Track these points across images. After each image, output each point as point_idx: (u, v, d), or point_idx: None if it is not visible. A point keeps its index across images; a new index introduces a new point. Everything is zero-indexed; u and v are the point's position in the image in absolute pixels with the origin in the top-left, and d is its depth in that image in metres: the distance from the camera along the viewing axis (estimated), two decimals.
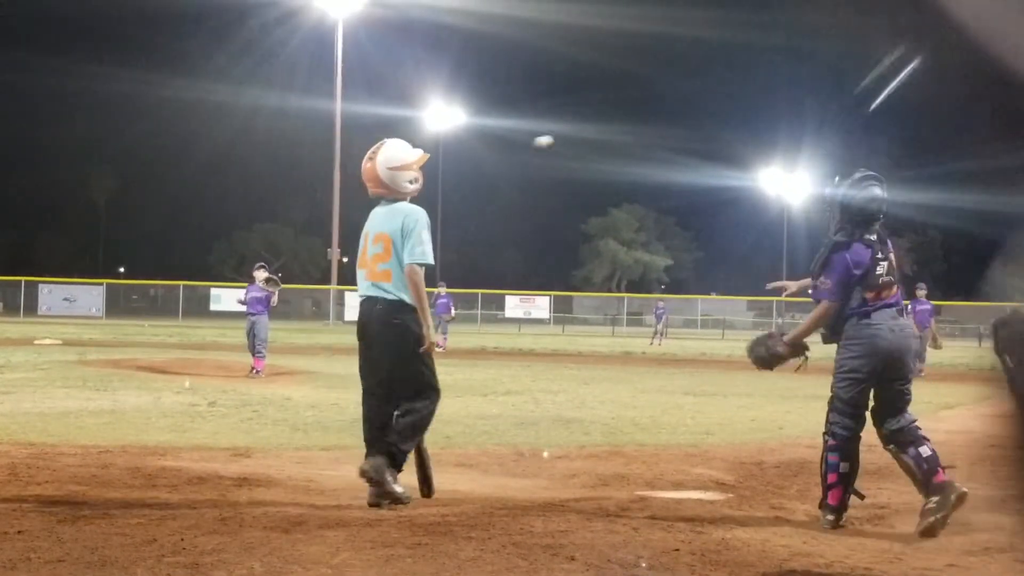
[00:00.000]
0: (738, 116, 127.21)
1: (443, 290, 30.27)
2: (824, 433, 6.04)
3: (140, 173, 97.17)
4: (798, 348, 6.18)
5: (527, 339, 34.34)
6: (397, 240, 6.27)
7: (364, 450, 8.64)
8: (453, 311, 30.57)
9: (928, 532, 5.55)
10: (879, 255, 5.84)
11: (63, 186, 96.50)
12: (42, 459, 7.51)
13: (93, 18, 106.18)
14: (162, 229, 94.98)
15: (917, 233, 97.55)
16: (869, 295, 5.78)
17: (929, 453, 5.80)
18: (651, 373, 20.89)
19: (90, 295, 56.99)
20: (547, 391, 15.11)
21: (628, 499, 6.59)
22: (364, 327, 6.41)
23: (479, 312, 58.43)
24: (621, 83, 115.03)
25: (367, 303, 6.38)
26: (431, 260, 6.28)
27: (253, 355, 17.22)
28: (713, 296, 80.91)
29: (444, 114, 75.02)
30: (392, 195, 6.45)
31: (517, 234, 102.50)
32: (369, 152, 6.51)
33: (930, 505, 5.61)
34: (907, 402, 5.97)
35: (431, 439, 9.43)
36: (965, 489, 5.64)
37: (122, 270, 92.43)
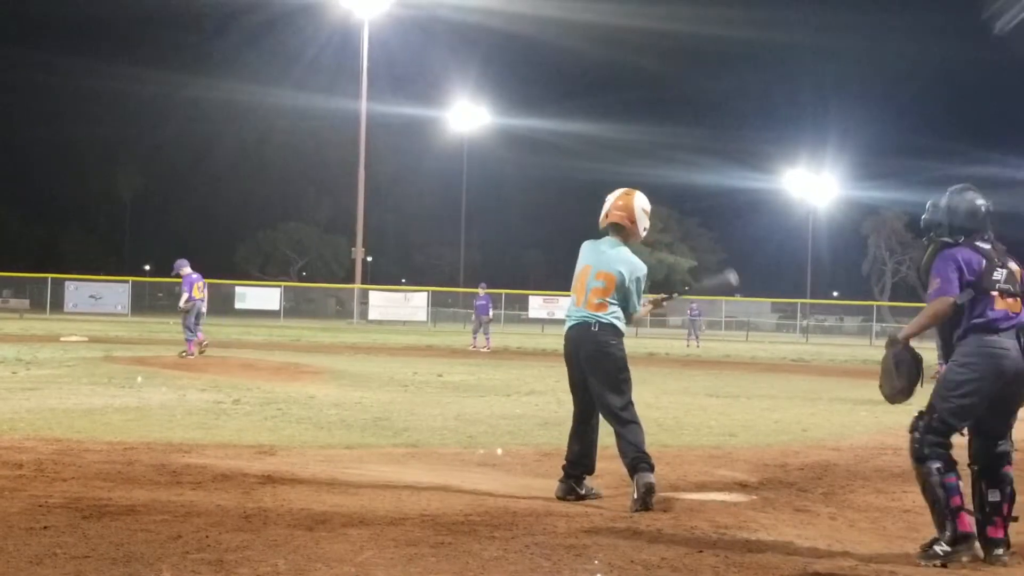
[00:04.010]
0: (763, 117, 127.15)
1: (483, 291, 30.39)
2: (921, 458, 5.31)
3: (166, 172, 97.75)
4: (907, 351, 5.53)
5: (550, 339, 34.19)
6: (620, 284, 6.70)
7: (387, 449, 8.69)
8: (491, 312, 30.78)
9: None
10: (996, 261, 5.37)
11: (90, 184, 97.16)
12: (68, 455, 7.56)
13: (120, 18, 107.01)
14: (188, 227, 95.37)
15: None
16: (994, 306, 5.32)
17: (996, 499, 5.33)
18: (674, 374, 20.83)
19: (116, 292, 57.26)
20: (570, 391, 15.05)
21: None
22: (575, 352, 6.82)
23: (503, 312, 58.40)
24: (646, 84, 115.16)
25: (578, 328, 6.81)
26: (637, 311, 6.82)
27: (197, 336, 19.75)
28: (737, 298, 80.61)
29: (469, 114, 75.05)
30: (629, 231, 6.85)
31: (540, 234, 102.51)
32: (620, 192, 6.96)
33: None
34: (1011, 427, 5.48)
35: (455, 438, 9.47)
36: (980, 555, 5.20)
37: (148, 268, 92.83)
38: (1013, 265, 5.44)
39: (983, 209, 5.54)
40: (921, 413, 5.39)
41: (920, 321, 5.45)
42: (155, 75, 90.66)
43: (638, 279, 6.74)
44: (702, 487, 7.25)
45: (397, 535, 5.30)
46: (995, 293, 5.31)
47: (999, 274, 5.35)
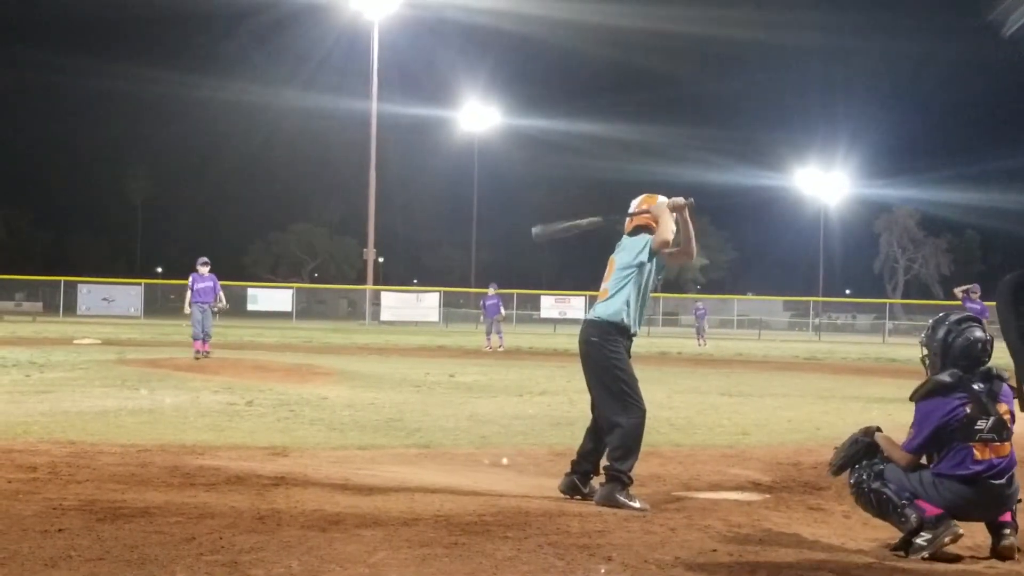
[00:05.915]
0: (774, 116, 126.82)
1: (493, 291, 30.37)
2: (855, 487, 5.51)
3: (177, 174, 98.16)
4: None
5: (562, 339, 34.18)
6: (622, 260, 6.73)
7: (400, 450, 8.70)
8: (503, 311, 30.77)
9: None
10: (983, 407, 5.21)
11: (101, 187, 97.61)
12: (82, 458, 7.57)
13: (129, 20, 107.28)
14: (199, 229, 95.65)
15: (955, 233, 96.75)
16: (975, 457, 5.18)
17: None
18: (686, 373, 20.80)
19: (128, 295, 57.47)
20: (582, 391, 14.89)
21: (665, 499, 6.57)
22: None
23: (514, 312, 58.40)
24: (656, 83, 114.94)
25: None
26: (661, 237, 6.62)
27: (203, 340, 20.10)
28: (749, 296, 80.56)
29: (479, 114, 75.09)
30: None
31: None
32: (643, 196, 7.01)
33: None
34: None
35: (467, 439, 9.47)
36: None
37: (160, 270, 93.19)
38: (1003, 406, 5.26)
39: (980, 346, 5.37)
40: (871, 467, 5.46)
41: (892, 456, 5.45)
42: (164, 77, 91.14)
43: (635, 241, 6.73)
44: (715, 486, 7.24)
45: (410, 536, 5.30)
46: (975, 444, 5.20)
47: (982, 423, 5.21)
